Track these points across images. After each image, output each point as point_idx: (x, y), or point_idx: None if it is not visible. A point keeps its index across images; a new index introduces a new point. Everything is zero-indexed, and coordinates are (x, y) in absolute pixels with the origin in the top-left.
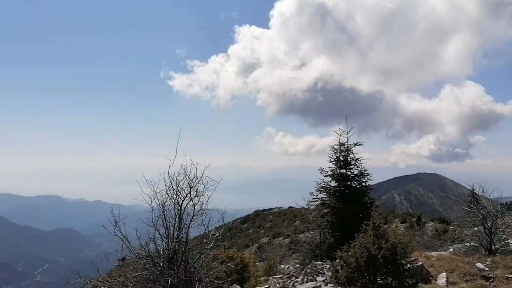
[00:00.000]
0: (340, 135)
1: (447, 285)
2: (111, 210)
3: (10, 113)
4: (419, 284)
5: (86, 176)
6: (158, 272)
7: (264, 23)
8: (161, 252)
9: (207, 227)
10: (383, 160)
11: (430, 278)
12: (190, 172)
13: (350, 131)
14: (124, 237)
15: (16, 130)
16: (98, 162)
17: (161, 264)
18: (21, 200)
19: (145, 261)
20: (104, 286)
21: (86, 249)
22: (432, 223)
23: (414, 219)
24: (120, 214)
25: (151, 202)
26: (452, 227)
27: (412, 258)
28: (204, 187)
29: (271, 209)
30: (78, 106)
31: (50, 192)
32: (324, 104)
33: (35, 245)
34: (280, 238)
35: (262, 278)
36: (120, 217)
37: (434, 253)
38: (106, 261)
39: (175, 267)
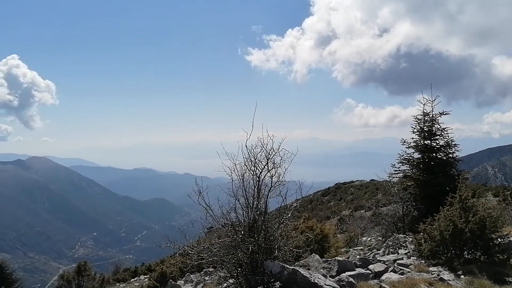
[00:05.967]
0: (424, 105)
1: None
2: (195, 181)
3: (113, 96)
4: (511, 260)
5: (175, 150)
6: (240, 239)
7: None
8: (242, 220)
9: (285, 198)
10: (474, 130)
11: None
12: (267, 144)
13: (435, 99)
14: (208, 206)
15: (116, 111)
16: (186, 137)
17: (242, 232)
18: (121, 172)
19: (227, 228)
20: (192, 251)
21: (178, 218)
22: None
23: (508, 192)
24: (205, 185)
25: (231, 173)
26: None
27: (504, 233)
28: (281, 159)
29: (352, 182)
30: (160, 91)
31: (144, 165)
32: (407, 70)
33: (134, 213)
34: (362, 211)
35: (342, 249)
36: (203, 188)
37: None
38: (194, 229)
39: (255, 235)
